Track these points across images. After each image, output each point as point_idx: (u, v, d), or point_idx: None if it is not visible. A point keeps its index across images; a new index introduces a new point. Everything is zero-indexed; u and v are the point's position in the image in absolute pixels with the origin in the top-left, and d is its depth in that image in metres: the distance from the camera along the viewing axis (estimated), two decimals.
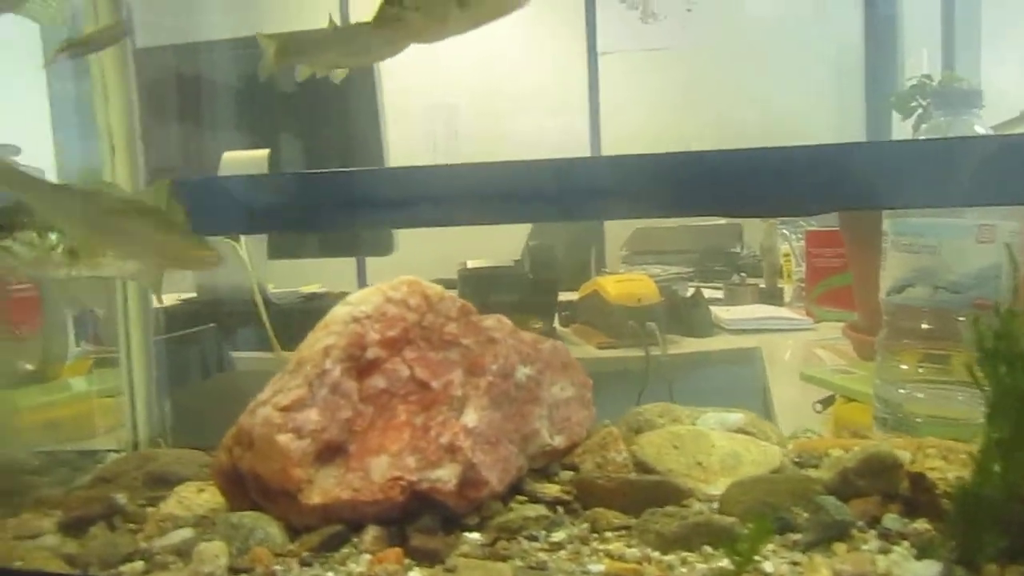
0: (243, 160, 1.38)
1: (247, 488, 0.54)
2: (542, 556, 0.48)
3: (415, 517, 0.51)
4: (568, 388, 0.60)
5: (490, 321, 0.59)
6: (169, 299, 1.43)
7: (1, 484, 0.65)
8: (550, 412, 0.59)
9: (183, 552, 0.51)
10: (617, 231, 2.16)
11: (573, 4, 2.37)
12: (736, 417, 0.64)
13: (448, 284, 0.72)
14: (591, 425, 0.62)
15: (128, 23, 0.59)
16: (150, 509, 0.58)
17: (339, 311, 0.57)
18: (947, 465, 0.50)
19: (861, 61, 2.09)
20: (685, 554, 0.48)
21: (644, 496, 0.53)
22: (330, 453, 0.53)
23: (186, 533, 0.53)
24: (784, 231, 1.77)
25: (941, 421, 0.71)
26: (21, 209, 0.54)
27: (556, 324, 1.46)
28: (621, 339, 1.33)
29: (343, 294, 1.63)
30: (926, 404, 0.73)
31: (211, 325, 1.23)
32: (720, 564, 0.46)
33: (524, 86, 2.66)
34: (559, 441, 0.59)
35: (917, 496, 0.50)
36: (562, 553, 0.49)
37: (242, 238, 1.24)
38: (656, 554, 0.48)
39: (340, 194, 0.84)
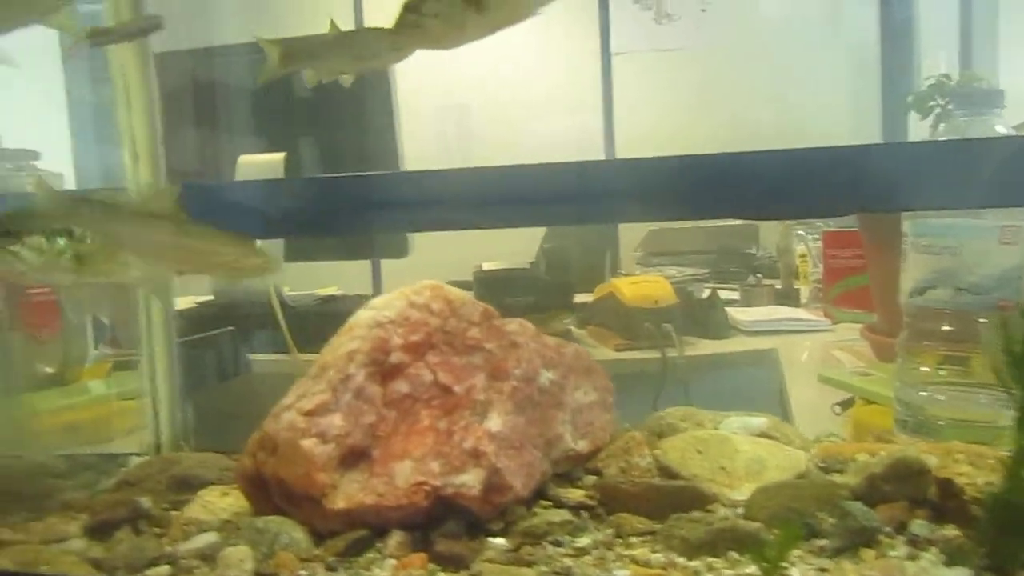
0: (259, 163, 1.38)
1: (271, 493, 0.54)
2: (567, 562, 0.48)
3: (439, 522, 0.51)
4: (591, 392, 0.60)
5: (513, 325, 0.59)
6: (186, 302, 1.43)
7: (27, 488, 0.65)
8: (573, 416, 0.58)
9: (208, 556, 0.51)
10: (631, 232, 2.15)
11: (586, 5, 2.37)
12: (759, 421, 0.63)
13: (463, 286, 0.72)
14: (614, 429, 0.62)
15: (160, 19, 0.59)
16: (174, 513, 0.59)
17: (362, 316, 0.57)
18: (976, 471, 0.50)
19: (877, 61, 2.07)
20: (711, 560, 0.48)
21: (669, 501, 0.52)
22: (354, 458, 0.53)
23: (210, 537, 0.53)
24: (800, 232, 1.76)
25: (963, 424, 0.71)
26: (29, 215, 0.54)
27: (572, 326, 1.46)
28: (637, 341, 1.32)
29: (359, 296, 1.64)
30: (948, 407, 0.73)
31: (229, 328, 1.23)
32: (746, 570, 0.46)
33: (537, 86, 2.66)
34: (582, 445, 0.58)
35: (945, 502, 0.50)
36: (587, 558, 0.49)
37: (257, 242, 1.24)
38: (682, 560, 0.48)
39: (357, 198, 0.85)
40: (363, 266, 2.02)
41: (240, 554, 0.50)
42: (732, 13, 2.61)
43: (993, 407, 0.70)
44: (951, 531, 0.49)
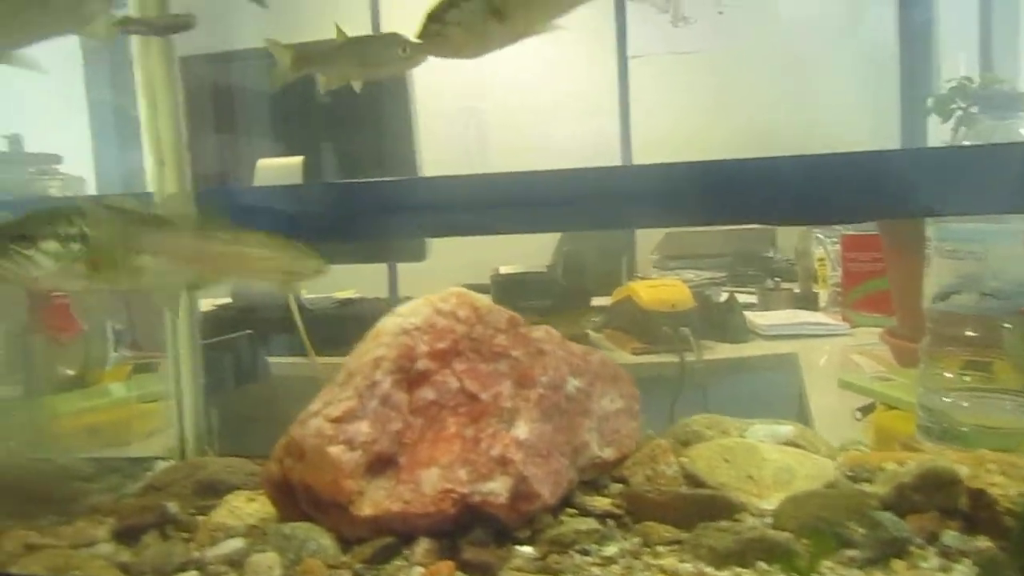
0: (278, 167, 1.39)
1: (298, 499, 0.54)
2: (595, 571, 0.48)
3: (466, 530, 0.51)
4: (617, 400, 0.60)
5: (539, 333, 0.59)
6: (204, 305, 1.44)
7: (55, 491, 0.66)
8: (599, 424, 0.58)
9: (235, 562, 0.51)
10: (648, 235, 2.15)
11: (603, 7, 2.37)
12: (786, 429, 0.63)
13: (480, 289, 0.72)
14: (639, 437, 0.62)
15: (193, 18, 0.59)
16: (200, 518, 0.59)
17: (389, 323, 0.57)
18: (1009, 481, 0.49)
19: (895, 62, 2.06)
20: (739, 570, 0.47)
21: (696, 510, 0.52)
22: (381, 465, 0.53)
23: (237, 543, 0.54)
24: (819, 235, 1.75)
25: (988, 430, 0.70)
26: (44, 219, 0.55)
27: (594, 328, 1.46)
28: (655, 345, 1.32)
29: (376, 300, 1.64)
30: (972, 413, 0.72)
31: (248, 331, 1.23)
32: None
33: (554, 89, 2.66)
34: (608, 453, 0.58)
35: (977, 512, 0.50)
36: (615, 568, 0.49)
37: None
38: (710, 569, 0.48)
39: (378, 203, 0.85)
40: (380, 269, 2.02)
41: (268, 560, 0.50)
42: (749, 15, 2.60)
43: (1018, 413, 0.69)
44: (984, 542, 0.48)
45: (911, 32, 2.04)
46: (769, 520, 0.52)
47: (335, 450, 0.52)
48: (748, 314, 1.50)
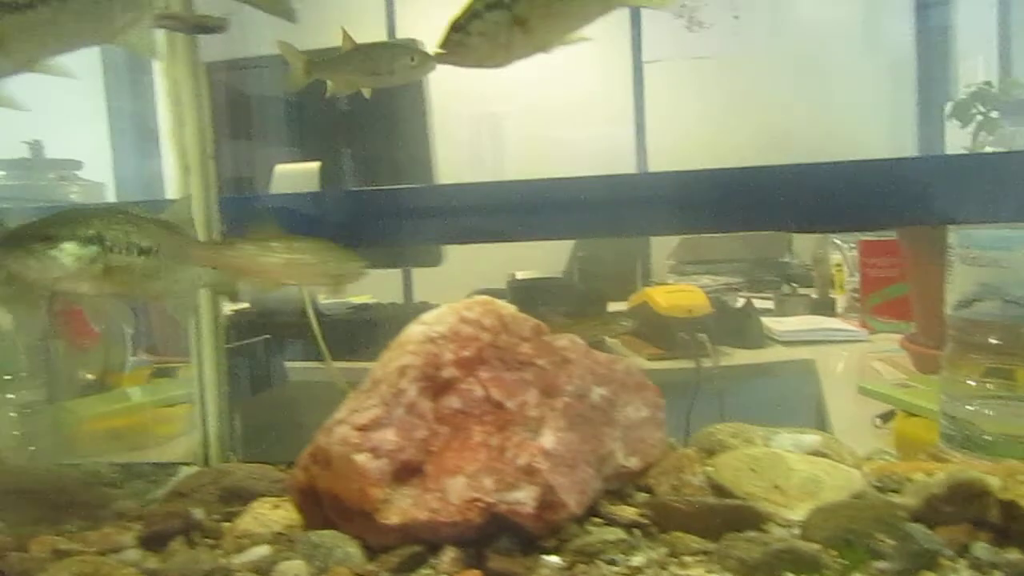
0: (295, 172, 1.40)
1: (323, 506, 0.54)
2: None
3: (491, 539, 0.51)
4: (642, 409, 0.60)
5: (563, 341, 0.58)
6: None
7: (83, 496, 0.66)
8: (624, 433, 0.58)
9: (262, 570, 0.51)
10: (663, 240, 2.14)
11: (618, 12, 2.36)
12: (811, 438, 0.62)
13: (495, 294, 0.72)
14: (664, 446, 0.62)
15: (227, 22, 0.60)
16: (226, 525, 0.59)
17: (414, 331, 0.57)
18: None
19: (913, 67, 2.05)
20: None
21: (723, 520, 0.52)
22: (407, 473, 0.53)
23: (263, 550, 0.54)
24: (836, 240, 1.74)
25: (1012, 439, 0.69)
26: (67, 221, 0.55)
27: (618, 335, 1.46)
28: (672, 350, 1.32)
29: (392, 305, 1.64)
30: (996, 421, 0.71)
31: (266, 336, 1.24)
32: None
33: (569, 94, 2.66)
34: (633, 463, 0.58)
35: (1009, 525, 0.49)
36: None
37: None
38: None
39: (397, 209, 0.86)
40: (395, 274, 2.03)
41: (295, 568, 0.50)
42: (764, 20, 2.59)
43: None
44: (1015, 555, 0.48)
45: (928, 36, 2.03)
46: (797, 531, 0.52)
47: (361, 458, 0.52)
48: (765, 320, 1.50)
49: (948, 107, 1.30)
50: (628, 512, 0.55)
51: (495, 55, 0.59)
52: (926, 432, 0.81)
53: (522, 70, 0.61)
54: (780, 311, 1.67)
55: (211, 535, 0.57)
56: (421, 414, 0.54)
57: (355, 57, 0.74)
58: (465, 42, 0.58)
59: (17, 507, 0.63)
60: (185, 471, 0.71)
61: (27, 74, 0.51)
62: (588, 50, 0.60)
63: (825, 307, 1.68)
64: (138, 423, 1.01)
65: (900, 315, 1.40)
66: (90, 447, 0.95)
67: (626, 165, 2.47)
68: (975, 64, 2.00)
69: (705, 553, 0.51)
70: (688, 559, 0.50)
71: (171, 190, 0.73)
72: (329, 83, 0.76)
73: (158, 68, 0.71)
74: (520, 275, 1.48)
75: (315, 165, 1.39)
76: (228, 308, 1.47)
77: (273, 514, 0.58)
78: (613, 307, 1.50)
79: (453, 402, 0.55)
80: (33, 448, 0.85)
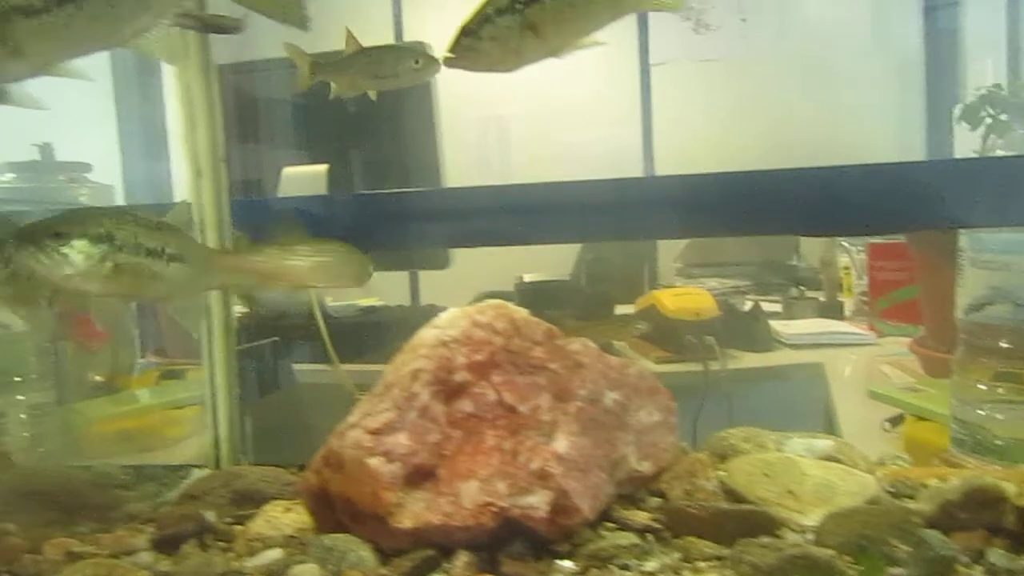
0: (303, 175, 1.40)
1: (336, 510, 0.54)
2: None
3: (504, 543, 0.51)
4: (655, 413, 0.60)
5: (576, 345, 0.58)
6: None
7: (94, 498, 0.66)
8: (637, 437, 0.58)
9: (275, 573, 0.51)
10: (671, 243, 2.14)
11: (626, 16, 2.36)
12: (824, 443, 0.62)
13: (502, 297, 0.72)
14: (677, 450, 0.61)
15: (242, 24, 0.60)
16: (238, 528, 0.59)
17: (426, 334, 0.57)
18: None
19: (921, 69, 2.05)
20: None
21: (736, 526, 0.52)
22: (420, 477, 0.53)
23: (276, 554, 0.54)
24: (844, 243, 1.74)
25: (1023, 444, 0.69)
26: (78, 219, 0.55)
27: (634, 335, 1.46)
28: (680, 353, 1.32)
29: (400, 307, 1.64)
30: (1007, 425, 0.71)
31: (275, 339, 1.24)
32: None
33: (576, 97, 2.66)
34: (646, 467, 0.58)
35: None
36: None
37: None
38: None
39: (405, 212, 0.86)
40: (402, 276, 2.03)
41: (308, 572, 0.50)
42: (772, 23, 2.59)
43: None
44: None
45: (937, 38, 2.02)
46: (811, 537, 0.51)
47: (374, 462, 0.52)
48: (773, 323, 1.50)
49: (957, 110, 1.30)
50: (641, 517, 0.55)
51: (506, 60, 0.59)
52: (936, 436, 0.80)
53: (530, 73, 0.61)
54: (788, 314, 1.67)
55: (223, 538, 0.57)
56: (434, 418, 0.54)
57: (360, 59, 0.74)
58: (476, 47, 0.58)
59: (29, 509, 0.63)
60: (196, 473, 0.71)
61: (41, 77, 0.51)
62: (595, 53, 0.60)
63: (833, 310, 1.68)
64: (147, 425, 1.01)
65: (909, 319, 1.39)
66: (99, 449, 0.95)
67: (633, 167, 2.47)
68: (984, 66, 1.99)
69: (718, 558, 0.50)
70: (701, 564, 0.50)
71: (182, 193, 0.74)
72: (333, 85, 0.76)
73: (169, 71, 0.72)
74: (528, 278, 1.48)
75: (323, 168, 1.39)
76: (238, 310, 1.48)
77: (285, 517, 0.58)
78: (620, 310, 1.50)
79: (466, 406, 0.55)
80: (43, 450, 0.86)
